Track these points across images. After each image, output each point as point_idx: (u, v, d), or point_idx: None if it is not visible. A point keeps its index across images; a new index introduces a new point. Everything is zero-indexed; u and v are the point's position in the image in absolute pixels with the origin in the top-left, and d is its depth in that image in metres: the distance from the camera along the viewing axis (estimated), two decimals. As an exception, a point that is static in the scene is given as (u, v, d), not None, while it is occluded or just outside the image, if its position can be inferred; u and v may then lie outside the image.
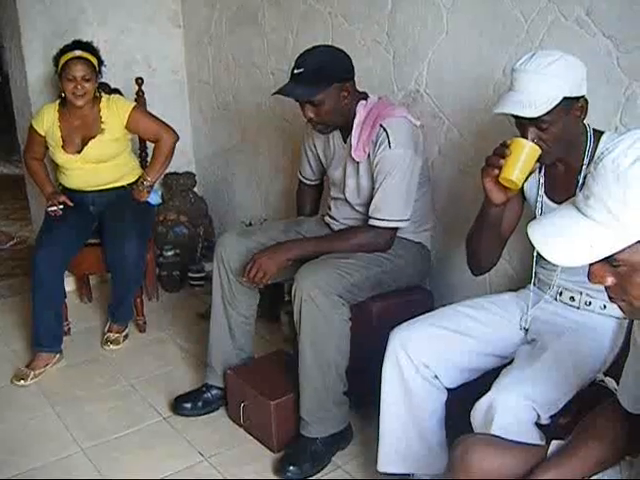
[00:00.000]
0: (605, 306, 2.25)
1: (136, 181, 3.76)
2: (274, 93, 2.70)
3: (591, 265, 1.21)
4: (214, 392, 3.06)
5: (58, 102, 3.65)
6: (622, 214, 1.13)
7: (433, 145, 3.05)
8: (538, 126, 2.04)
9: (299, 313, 2.57)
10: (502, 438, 1.78)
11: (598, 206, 1.16)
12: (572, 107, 2.05)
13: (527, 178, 2.08)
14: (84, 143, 3.58)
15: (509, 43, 2.63)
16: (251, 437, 2.88)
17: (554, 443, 1.67)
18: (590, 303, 2.27)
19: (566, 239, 1.22)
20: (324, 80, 2.65)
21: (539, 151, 2.03)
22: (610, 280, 1.23)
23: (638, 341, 1.49)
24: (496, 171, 2.05)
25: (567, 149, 2.12)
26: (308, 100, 2.65)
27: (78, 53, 3.45)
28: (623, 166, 1.12)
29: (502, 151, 2.04)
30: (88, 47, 3.52)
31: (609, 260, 1.18)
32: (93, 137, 3.58)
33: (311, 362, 2.59)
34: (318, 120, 2.70)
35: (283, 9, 3.69)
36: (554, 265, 2.30)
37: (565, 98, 2.01)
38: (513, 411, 1.92)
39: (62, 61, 3.44)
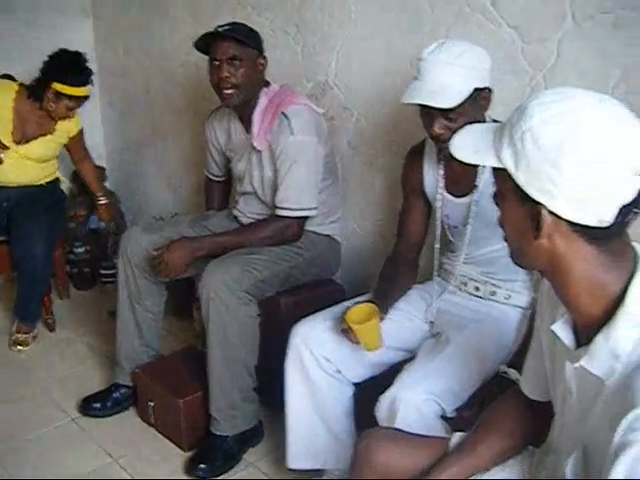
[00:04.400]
0: (509, 296, 2.27)
1: (53, 181, 3.70)
2: (206, 34, 2.64)
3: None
4: (123, 391, 2.99)
5: (17, 85, 3.52)
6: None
7: (343, 137, 3.04)
8: (447, 116, 2.03)
9: (207, 311, 2.52)
10: (406, 432, 1.77)
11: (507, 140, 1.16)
12: (479, 97, 2.06)
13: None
14: (32, 137, 3.48)
15: (416, 33, 2.63)
16: (161, 436, 2.82)
17: (456, 435, 1.66)
18: (495, 293, 2.29)
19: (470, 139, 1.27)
20: (251, 39, 2.65)
21: (375, 311, 2.12)
22: None
23: (539, 326, 1.49)
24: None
25: None
26: (233, 55, 2.59)
27: (88, 91, 3.42)
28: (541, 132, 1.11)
29: (350, 339, 2.14)
30: (90, 73, 3.45)
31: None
32: (44, 135, 3.50)
33: (220, 359, 2.55)
34: (233, 81, 2.62)
35: (193, 0, 3.62)
36: (457, 255, 2.32)
37: (475, 89, 2.02)
38: (416, 406, 1.92)
39: (70, 91, 3.35)
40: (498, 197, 1.25)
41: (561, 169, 1.07)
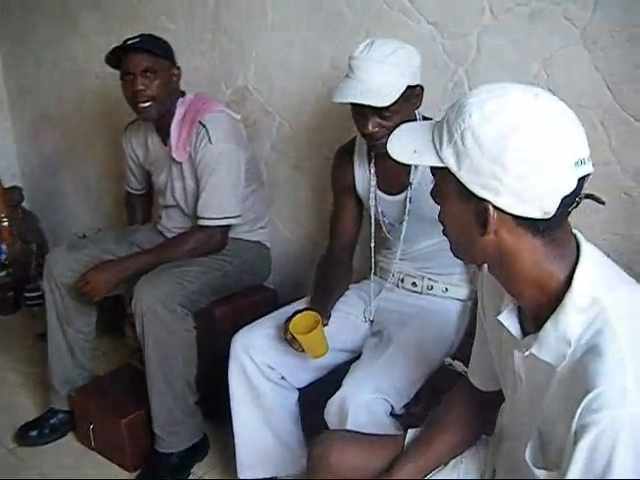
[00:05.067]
0: (447, 289, 2.30)
1: None
2: (116, 48, 2.58)
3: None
4: (60, 416, 2.90)
5: None
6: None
7: (266, 142, 3.03)
8: (381, 115, 2.04)
9: (142, 327, 2.47)
10: (359, 432, 1.77)
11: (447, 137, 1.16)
12: (411, 95, 2.08)
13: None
14: None
15: (335, 35, 2.63)
16: (105, 459, 2.74)
17: (410, 432, 1.67)
18: (432, 287, 2.32)
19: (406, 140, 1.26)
20: (162, 50, 2.62)
21: (318, 319, 2.10)
22: None
23: (483, 318, 1.51)
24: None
25: None
26: (146, 67, 2.55)
27: None
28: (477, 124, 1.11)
29: (295, 348, 2.12)
30: None
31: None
32: None
33: (159, 376, 2.49)
34: (148, 94, 2.57)
35: (103, 11, 3.56)
36: (393, 252, 2.33)
37: (407, 86, 2.03)
38: (365, 405, 1.92)
39: None
40: (438, 195, 1.25)
41: (504, 165, 1.08)
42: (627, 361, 1.05)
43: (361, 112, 2.06)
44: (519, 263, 1.17)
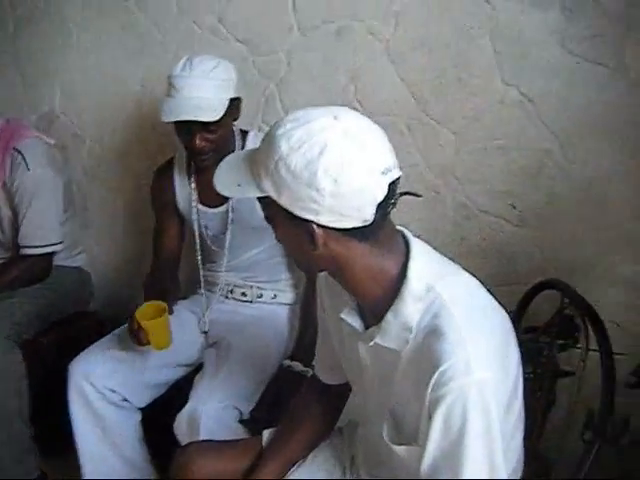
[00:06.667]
0: (275, 295, 2.40)
1: None
2: None
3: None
4: None
5: None
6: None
7: (77, 166, 2.99)
8: (208, 129, 2.08)
9: (-33, 364, 2.34)
10: (217, 440, 1.81)
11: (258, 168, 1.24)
12: (232, 107, 2.14)
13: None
14: None
15: (145, 55, 2.66)
16: None
17: (266, 432, 1.74)
18: (262, 295, 2.40)
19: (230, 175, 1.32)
20: None
21: (164, 308, 2.08)
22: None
23: (324, 317, 1.60)
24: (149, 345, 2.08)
25: (223, 149, 2.14)
26: None
27: None
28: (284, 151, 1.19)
29: (140, 338, 2.06)
30: None
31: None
32: None
33: (-9, 414, 2.39)
34: None
35: None
36: (219, 264, 2.39)
37: (230, 99, 2.10)
38: (216, 415, 1.97)
39: None
40: (269, 220, 1.32)
41: (318, 188, 1.17)
42: (465, 336, 1.18)
43: (189, 128, 2.09)
44: (353, 267, 1.27)
